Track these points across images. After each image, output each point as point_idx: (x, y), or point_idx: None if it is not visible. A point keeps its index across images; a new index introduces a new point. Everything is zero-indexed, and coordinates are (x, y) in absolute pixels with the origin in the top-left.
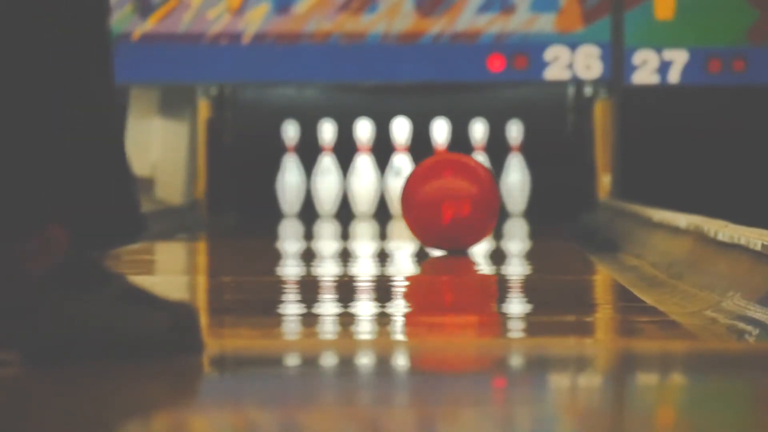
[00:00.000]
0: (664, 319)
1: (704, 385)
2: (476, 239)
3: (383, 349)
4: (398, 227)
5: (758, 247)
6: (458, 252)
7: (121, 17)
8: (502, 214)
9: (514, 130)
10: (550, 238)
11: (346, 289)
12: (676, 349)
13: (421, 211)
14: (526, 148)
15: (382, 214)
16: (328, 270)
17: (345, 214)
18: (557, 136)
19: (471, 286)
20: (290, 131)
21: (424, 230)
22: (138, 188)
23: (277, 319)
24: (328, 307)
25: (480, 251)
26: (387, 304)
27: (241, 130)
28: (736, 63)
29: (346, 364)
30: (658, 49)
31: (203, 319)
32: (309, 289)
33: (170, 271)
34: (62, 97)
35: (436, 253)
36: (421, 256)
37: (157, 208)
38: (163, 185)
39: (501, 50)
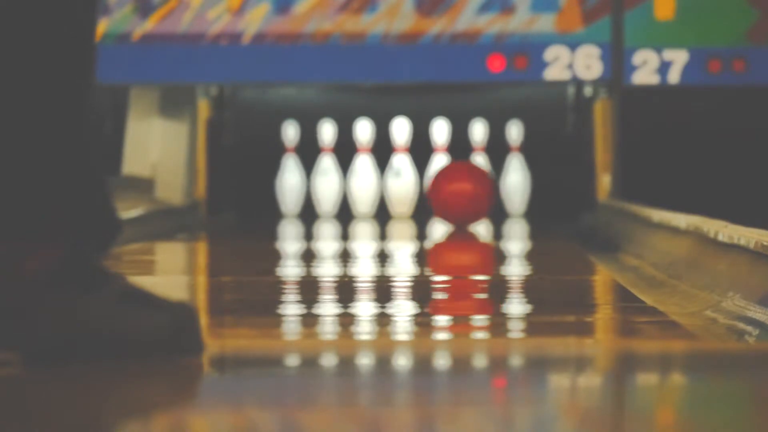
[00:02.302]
0: (663, 319)
1: (704, 385)
2: (463, 222)
3: (383, 349)
4: (398, 227)
5: (758, 248)
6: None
7: (121, 17)
8: (503, 215)
9: (514, 131)
10: (550, 238)
11: (346, 290)
12: (676, 349)
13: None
14: (526, 149)
15: (382, 214)
16: (328, 270)
17: (345, 214)
18: (557, 136)
19: (471, 286)
20: (290, 131)
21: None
22: (111, 189)
23: (277, 319)
24: (328, 307)
25: (481, 251)
26: (387, 304)
27: (241, 130)
28: (736, 63)
29: (346, 364)
30: (658, 49)
31: (203, 319)
32: (309, 289)
33: (170, 271)
34: (52, 95)
35: (434, 246)
36: (420, 256)
37: (157, 208)
38: (163, 185)
39: (501, 50)
